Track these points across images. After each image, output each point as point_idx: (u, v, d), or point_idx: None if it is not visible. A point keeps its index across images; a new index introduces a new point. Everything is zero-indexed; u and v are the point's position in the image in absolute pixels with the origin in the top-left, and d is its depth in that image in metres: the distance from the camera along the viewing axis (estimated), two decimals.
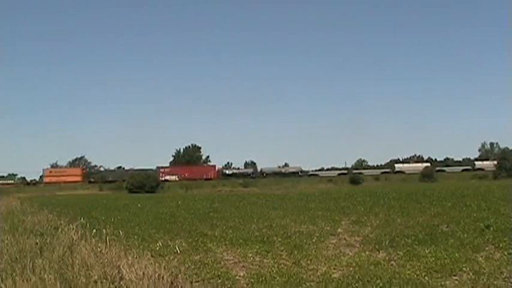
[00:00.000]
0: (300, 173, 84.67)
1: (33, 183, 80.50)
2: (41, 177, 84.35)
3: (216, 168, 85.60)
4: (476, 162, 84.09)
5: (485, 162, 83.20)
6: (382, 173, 79.53)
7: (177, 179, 75.69)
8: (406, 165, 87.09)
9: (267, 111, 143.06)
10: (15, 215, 17.39)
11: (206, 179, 75.68)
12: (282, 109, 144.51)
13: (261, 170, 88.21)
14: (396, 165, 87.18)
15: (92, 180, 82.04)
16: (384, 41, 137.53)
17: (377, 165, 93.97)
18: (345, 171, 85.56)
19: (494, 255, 7.31)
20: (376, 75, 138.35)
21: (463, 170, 78.13)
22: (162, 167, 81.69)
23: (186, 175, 77.75)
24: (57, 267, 6.79)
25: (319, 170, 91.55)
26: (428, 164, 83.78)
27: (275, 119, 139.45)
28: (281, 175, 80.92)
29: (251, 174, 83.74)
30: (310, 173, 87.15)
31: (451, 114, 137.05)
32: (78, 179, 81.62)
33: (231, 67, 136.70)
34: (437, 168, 79.09)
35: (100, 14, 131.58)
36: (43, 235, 9.96)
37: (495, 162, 78.95)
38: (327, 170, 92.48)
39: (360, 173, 78.97)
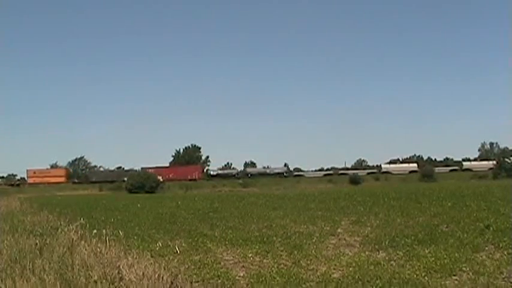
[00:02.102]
0: (285, 174, 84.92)
1: (17, 184, 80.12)
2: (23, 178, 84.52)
3: (201, 169, 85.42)
4: (464, 163, 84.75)
5: (473, 163, 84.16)
6: (369, 173, 79.38)
7: (161, 179, 75.40)
8: (392, 165, 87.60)
9: (267, 111, 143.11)
10: (15, 215, 17.40)
11: (190, 180, 75.14)
12: (282, 109, 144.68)
13: (246, 170, 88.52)
14: (383, 165, 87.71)
15: (76, 181, 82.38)
16: (384, 41, 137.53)
17: (376, 166, 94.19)
18: (331, 172, 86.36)
19: (494, 255, 7.32)
20: (375, 75, 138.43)
21: (451, 171, 78.35)
22: (146, 168, 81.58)
23: (170, 176, 77.28)
24: (57, 267, 6.80)
25: (319, 170, 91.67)
26: (415, 165, 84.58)
27: (275, 119, 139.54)
28: (266, 175, 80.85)
29: (236, 175, 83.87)
30: (295, 173, 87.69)
31: (450, 114, 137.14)
32: (62, 179, 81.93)
33: (231, 67, 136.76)
34: None
35: (100, 14, 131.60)
36: (43, 235, 9.95)
37: (484, 162, 79.99)
38: (327, 169, 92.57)
39: (346, 174, 79.79)
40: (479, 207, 12.67)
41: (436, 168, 77.56)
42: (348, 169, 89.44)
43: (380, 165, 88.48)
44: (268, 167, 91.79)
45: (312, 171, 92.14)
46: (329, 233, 10.22)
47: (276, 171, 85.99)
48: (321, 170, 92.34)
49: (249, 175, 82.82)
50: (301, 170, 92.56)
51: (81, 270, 6.51)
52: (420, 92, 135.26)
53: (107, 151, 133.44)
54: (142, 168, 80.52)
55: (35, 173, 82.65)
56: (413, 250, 7.90)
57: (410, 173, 78.17)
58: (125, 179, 75.56)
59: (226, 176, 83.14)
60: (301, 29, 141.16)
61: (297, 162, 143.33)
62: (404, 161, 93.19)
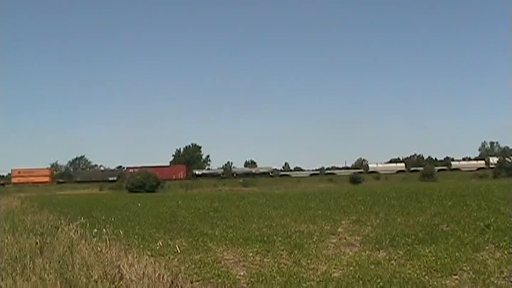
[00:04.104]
0: (270, 174, 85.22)
1: (2, 183, 79.47)
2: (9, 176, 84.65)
3: (185, 169, 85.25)
4: (452, 163, 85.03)
5: (461, 163, 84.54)
6: (358, 173, 79.47)
7: None
8: (380, 165, 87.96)
9: (267, 111, 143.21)
10: (15, 214, 17.38)
11: (175, 179, 74.72)
12: (282, 109, 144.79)
13: (232, 170, 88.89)
14: (370, 165, 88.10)
15: (61, 180, 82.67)
16: (384, 41, 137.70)
17: (363, 166, 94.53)
18: (318, 172, 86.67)
19: (495, 254, 7.31)
20: (376, 74, 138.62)
21: (439, 170, 78.53)
22: (131, 168, 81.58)
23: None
24: (58, 266, 6.80)
25: (319, 170, 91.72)
26: (403, 164, 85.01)
27: (275, 119, 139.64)
28: (251, 175, 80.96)
29: (221, 175, 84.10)
30: (281, 173, 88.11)
31: (451, 113, 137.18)
32: (47, 179, 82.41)
33: (231, 67, 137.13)
34: (412, 169, 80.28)
35: (100, 14, 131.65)
36: (43, 235, 9.95)
37: (473, 162, 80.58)
38: (327, 169, 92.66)
39: (332, 173, 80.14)
40: (479, 207, 12.66)
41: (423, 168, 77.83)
42: (335, 169, 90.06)
43: (367, 165, 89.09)
44: (254, 166, 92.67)
45: (298, 171, 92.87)
46: (329, 233, 10.22)
47: (262, 171, 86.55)
48: (317, 169, 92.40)
49: (234, 175, 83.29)
50: (301, 170, 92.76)
51: (82, 270, 6.51)
52: (420, 91, 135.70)
53: (107, 151, 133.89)
54: (127, 168, 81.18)
55: (19, 172, 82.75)
56: (414, 249, 7.90)
57: (398, 172, 78.57)
58: (110, 178, 77.39)
59: (211, 175, 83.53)
60: (301, 28, 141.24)
61: (297, 162, 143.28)
62: (404, 161, 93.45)
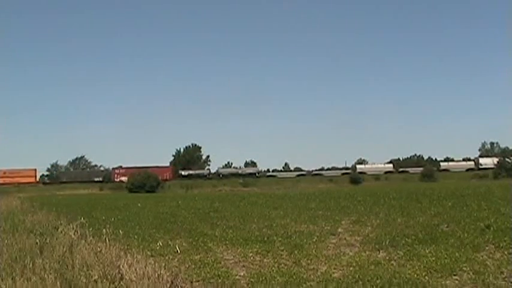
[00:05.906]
0: (257, 174, 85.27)
1: None
2: None
3: (172, 170, 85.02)
4: (442, 164, 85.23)
5: (451, 163, 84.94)
6: (343, 174, 79.24)
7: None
8: (367, 166, 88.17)
9: (267, 111, 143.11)
10: (15, 214, 17.38)
11: (162, 180, 74.71)
12: (282, 109, 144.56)
13: (218, 171, 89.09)
14: (358, 166, 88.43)
15: (47, 181, 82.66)
16: (383, 41, 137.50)
17: (350, 167, 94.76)
18: (304, 173, 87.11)
19: (495, 254, 7.31)
20: (376, 74, 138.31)
21: None
22: (117, 168, 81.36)
23: None
24: (57, 267, 6.80)
25: (320, 170, 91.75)
26: (391, 165, 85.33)
27: (275, 119, 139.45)
28: (238, 176, 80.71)
29: (207, 175, 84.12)
30: (268, 174, 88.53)
31: (451, 113, 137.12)
32: (32, 180, 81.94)
33: (231, 67, 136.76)
34: (401, 169, 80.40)
35: (100, 14, 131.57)
36: (43, 235, 9.95)
37: (463, 162, 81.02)
38: (327, 169, 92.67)
39: (320, 174, 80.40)
40: (479, 207, 12.67)
41: (412, 169, 77.91)
42: (322, 170, 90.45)
43: (355, 166, 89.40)
44: (240, 167, 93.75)
45: (285, 171, 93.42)
46: (329, 233, 10.22)
47: (248, 171, 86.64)
48: (305, 171, 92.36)
49: (221, 175, 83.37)
50: (301, 170, 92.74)
51: (82, 270, 6.51)
52: (421, 91, 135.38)
53: (107, 151, 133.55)
54: (113, 169, 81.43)
55: (5, 173, 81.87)
56: (414, 250, 7.90)
57: (386, 173, 78.66)
58: (96, 179, 77.64)
59: (198, 176, 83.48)
60: (301, 29, 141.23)
61: (297, 162, 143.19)
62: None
